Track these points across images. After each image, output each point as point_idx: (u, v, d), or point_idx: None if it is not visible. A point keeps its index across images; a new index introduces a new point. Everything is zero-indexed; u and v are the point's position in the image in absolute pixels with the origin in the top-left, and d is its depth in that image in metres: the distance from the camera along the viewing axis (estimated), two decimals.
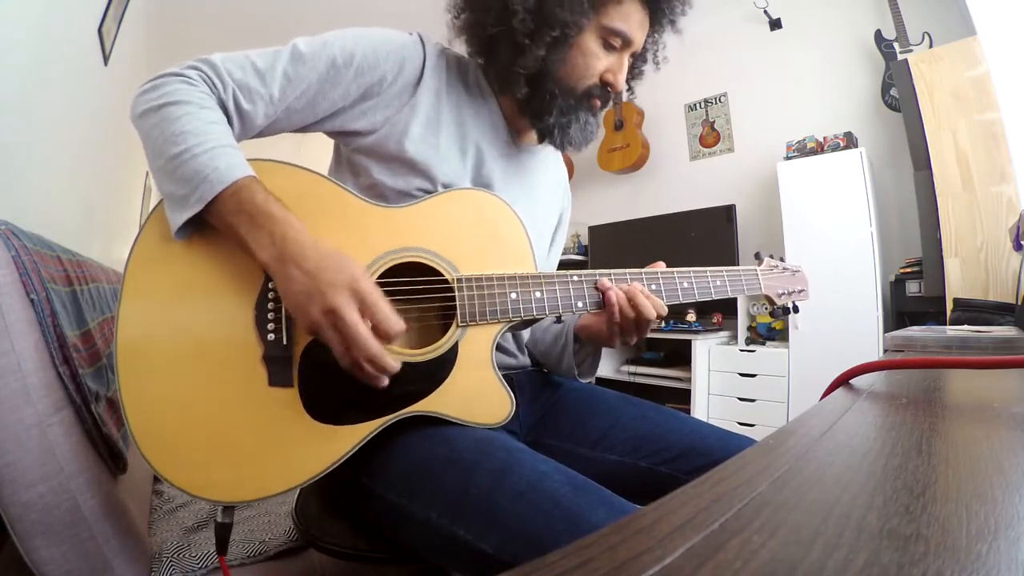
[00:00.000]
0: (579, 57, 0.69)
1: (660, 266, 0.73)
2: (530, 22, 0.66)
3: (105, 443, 0.65)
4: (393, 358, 0.53)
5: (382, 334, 0.52)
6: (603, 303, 0.67)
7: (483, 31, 0.70)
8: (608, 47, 0.70)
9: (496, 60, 0.72)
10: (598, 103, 0.73)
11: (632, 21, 0.69)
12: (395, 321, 0.53)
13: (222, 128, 0.58)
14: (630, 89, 0.83)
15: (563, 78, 0.70)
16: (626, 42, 0.70)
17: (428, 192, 0.68)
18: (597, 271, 0.68)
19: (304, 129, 0.68)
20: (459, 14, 0.74)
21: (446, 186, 0.69)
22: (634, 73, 0.80)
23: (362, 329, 0.51)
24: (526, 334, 0.86)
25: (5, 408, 0.53)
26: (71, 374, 0.60)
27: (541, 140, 0.77)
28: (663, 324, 2.72)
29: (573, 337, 0.78)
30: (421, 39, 0.72)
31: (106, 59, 2.16)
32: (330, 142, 0.75)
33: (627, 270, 0.70)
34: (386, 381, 0.54)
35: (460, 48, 0.76)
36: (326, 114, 0.67)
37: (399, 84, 0.68)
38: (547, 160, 0.86)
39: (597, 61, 0.70)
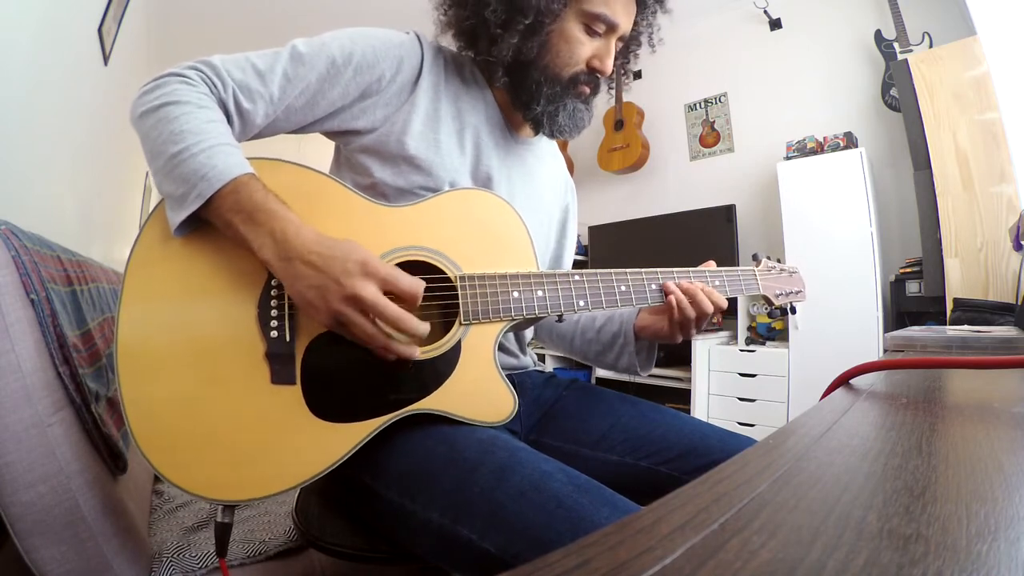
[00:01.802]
0: (562, 44, 0.70)
1: (711, 265, 0.76)
2: (501, 12, 0.67)
3: (105, 443, 0.64)
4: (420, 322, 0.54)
5: (408, 299, 0.53)
6: (664, 301, 0.71)
7: (463, 24, 0.71)
8: (591, 32, 0.70)
9: (478, 51, 0.73)
10: (586, 90, 0.73)
11: (615, 5, 0.69)
12: (415, 283, 0.54)
13: (221, 127, 0.58)
14: (625, 73, 0.83)
15: (548, 65, 0.71)
16: (610, 27, 0.70)
17: (429, 189, 0.68)
18: (599, 271, 0.68)
19: (303, 129, 0.68)
20: (446, 11, 0.74)
21: (447, 182, 0.69)
22: (628, 56, 0.80)
23: (389, 304, 0.52)
24: (528, 334, 0.86)
25: (5, 408, 0.53)
26: (71, 374, 0.60)
27: (535, 130, 0.77)
28: None
29: (633, 336, 0.80)
30: (418, 37, 0.72)
31: (106, 59, 2.16)
32: (331, 142, 0.75)
33: (628, 270, 0.70)
34: (419, 351, 0.56)
35: (450, 44, 0.77)
36: (325, 113, 0.67)
37: (398, 83, 0.69)
38: (545, 155, 0.86)
39: (581, 47, 0.70)
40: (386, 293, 0.53)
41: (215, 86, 0.60)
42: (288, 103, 0.64)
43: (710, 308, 0.71)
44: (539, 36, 0.68)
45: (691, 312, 0.70)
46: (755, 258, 0.87)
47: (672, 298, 0.70)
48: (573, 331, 0.88)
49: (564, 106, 0.72)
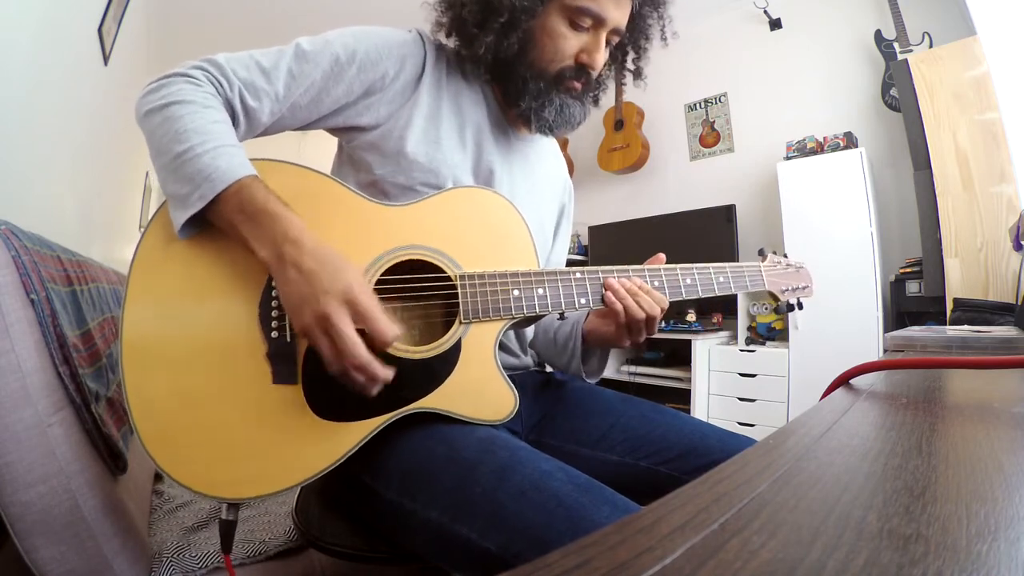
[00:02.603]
0: (546, 39, 0.69)
1: (661, 258, 0.72)
2: (476, 11, 0.67)
3: (105, 443, 0.64)
4: (386, 367, 0.52)
5: (377, 343, 0.52)
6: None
7: (451, 24, 0.72)
8: (576, 27, 0.68)
9: (467, 50, 0.72)
10: (576, 85, 0.71)
11: None
12: (389, 329, 0.52)
13: (225, 127, 0.58)
14: (636, 71, 0.80)
15: (534, 61, 0.70)
16: (597, 20, 0.68)
17: (430, 185, 0.68)
18: (600, 268, 0.67)
19: (308, 127, 0.69)
20: (443, 11, 0.74)
21: (449, 178, 0.69)
22: (639, 52, 0.79)
23: (352, 337, 0.50)
24: (529, 333, 0.86)
25: (5, 408, 0.53)
26: (71, 374, 0.60)
27: (527, 127, 0.76)
28: (663, 324, 2.71)
29: (581, 339, 0.77)
30: (421, 36, 0.72)
31: (106, 59, 2.16)
32: (331, 142, 0.75)
33: (630, 266, 0.69)
34: (376, 390, 0.53)
35: (447, 42, 0.77)
36: (330, 110, 0.67)
37: (401, 81, 0.69)
38: (544, 151, 0.86)
39: (566, 42, 0.69)
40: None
41: (221, 85, 0.61)
42: (293, 101, 0.64)
43: (657, 310, 0.66)
44: (517, 33, 0.68)
45: (639, 313, 0.65)
46: (761, 253, 0.85)
47: (610, 295, 0.65)
48: (536, 329, 0.86)
49: (551, 101, 0.71)
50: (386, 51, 0.68)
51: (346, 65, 0.65)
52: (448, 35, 0.74)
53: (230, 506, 0.57)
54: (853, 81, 2.71)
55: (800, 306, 0.85)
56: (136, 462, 0.79)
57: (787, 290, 0.83)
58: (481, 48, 0.68)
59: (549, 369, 0.89)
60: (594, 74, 0.72)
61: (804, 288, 0.85)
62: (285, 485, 0.55)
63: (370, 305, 0.52)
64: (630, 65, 0.80)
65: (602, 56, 0.70)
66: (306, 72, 0.64)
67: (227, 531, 0.58)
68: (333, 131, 0.72)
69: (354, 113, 0.68)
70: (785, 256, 0.87)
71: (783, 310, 0.80)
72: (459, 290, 0.61)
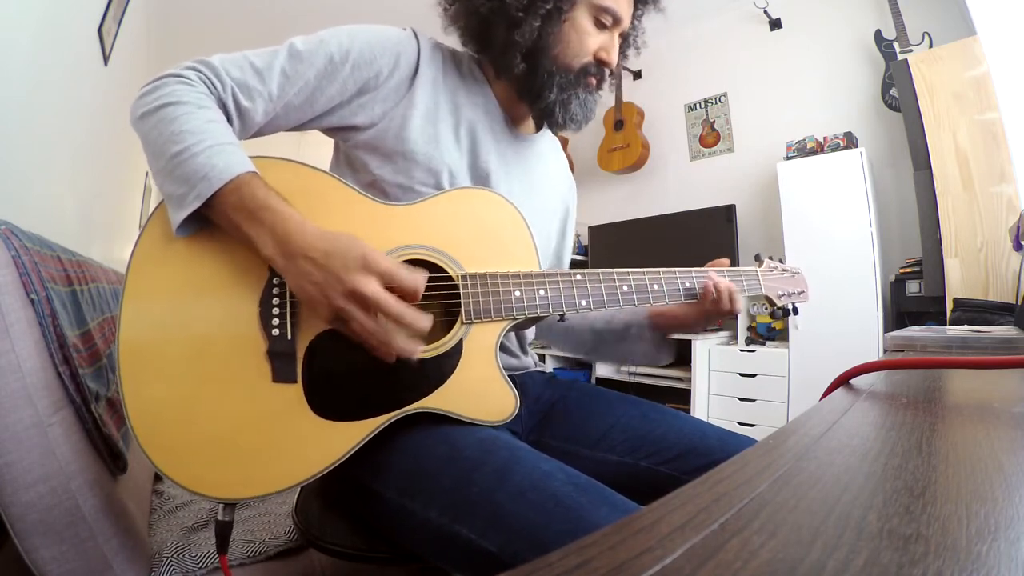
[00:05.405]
0: (573, 34, 0.71)
1: (724, 262, 0.80)
2: None
3: (105, 443, 0.64)
4: (424, 314, 0.54)
5: (409, 293, 0.53)
6: (698, 295, 0.75)
7: (476, 13, 0.72)
8: (599, 25, 0.72)
9: (490, 41, 0.73)
10: (594, 81, 0.74)
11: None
12: (416, 278, 0.53)
13: (221, 126, 0.58)
14: (636, 73, 0.85)
15: (559, 56, 0.72)
16: (616, 20, 0.72)
17: (428, 184, 0.68)
18: (601, 270, 0.68)
19: (303, 126, 0.68)
20: (450, 5, 0.74)
21: (446, 177, 0.69)
22: (626, 55, 0.82)
23: (390, 298, 0.52)
24: (530, 334, 0.86)
25: (5, 408, 0.53)
26: (71, 374, 0.60)
27: (540, 123, 0.78)
28: None
29: (647, 324, 0.83)
30: (415, 33, 0.73)
31: (106, 59, 2.16)
32: (329, 141, 0.75)
33: (629, 269, 0.70)
34: (421, 349, 0.55)
35: (451, 41, 0.77)
36: (324, 110, 0.67)
37: (395, 78, 0.69)
38: (546, 152, 0.87)
39: (590, 39, 0.72)
40: (387, 288, 0.53)
41: (214, 86, 0.60)
42: (287, 100, 0.64)
43: (738, 307, 0.76)
44: (557, 23, 0.70)
45: (727, 307, 0.75)
46: (757, 258, 0.87)
47: (710, 284, 0.74)
48: (581, 324, 0.89)
49: (576, 95, 0.73)
50: (380, 49, 0.68)
51: (340, 64, 0.65)
52: (470, 29, 0.75)
53: (226, 506, 0.57)
54: (853, 81, 2.71)
55: (795, 311, 0.87)
56: (136, 462, 0.79)
57: (784, 295, 0.85)
58: (528, 32, 0.69)
59: (550, 369, 0.89)
60: (606, 72, 0.75)
61: (800, 293, 0.87)
62: (284, 485, 0.54)
63: (389, 264, 0.53)
64: (628, 65, 0.84)
65: (617, 54, 0.74)
66: (300, 72, 0.64)
67: (223, 532, 0.58)
68: (329, 131, 0.72)
69: (348, 112, 0.68)
70: (782, 261, 0.88)
71: (779, 316, 0.86)
72: (461, 290, 0.61)
